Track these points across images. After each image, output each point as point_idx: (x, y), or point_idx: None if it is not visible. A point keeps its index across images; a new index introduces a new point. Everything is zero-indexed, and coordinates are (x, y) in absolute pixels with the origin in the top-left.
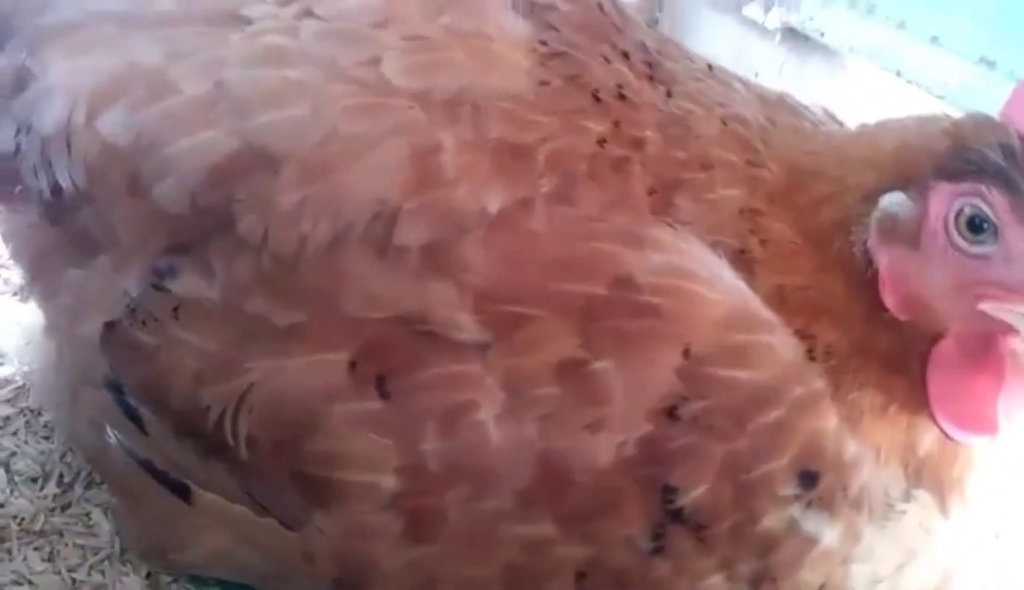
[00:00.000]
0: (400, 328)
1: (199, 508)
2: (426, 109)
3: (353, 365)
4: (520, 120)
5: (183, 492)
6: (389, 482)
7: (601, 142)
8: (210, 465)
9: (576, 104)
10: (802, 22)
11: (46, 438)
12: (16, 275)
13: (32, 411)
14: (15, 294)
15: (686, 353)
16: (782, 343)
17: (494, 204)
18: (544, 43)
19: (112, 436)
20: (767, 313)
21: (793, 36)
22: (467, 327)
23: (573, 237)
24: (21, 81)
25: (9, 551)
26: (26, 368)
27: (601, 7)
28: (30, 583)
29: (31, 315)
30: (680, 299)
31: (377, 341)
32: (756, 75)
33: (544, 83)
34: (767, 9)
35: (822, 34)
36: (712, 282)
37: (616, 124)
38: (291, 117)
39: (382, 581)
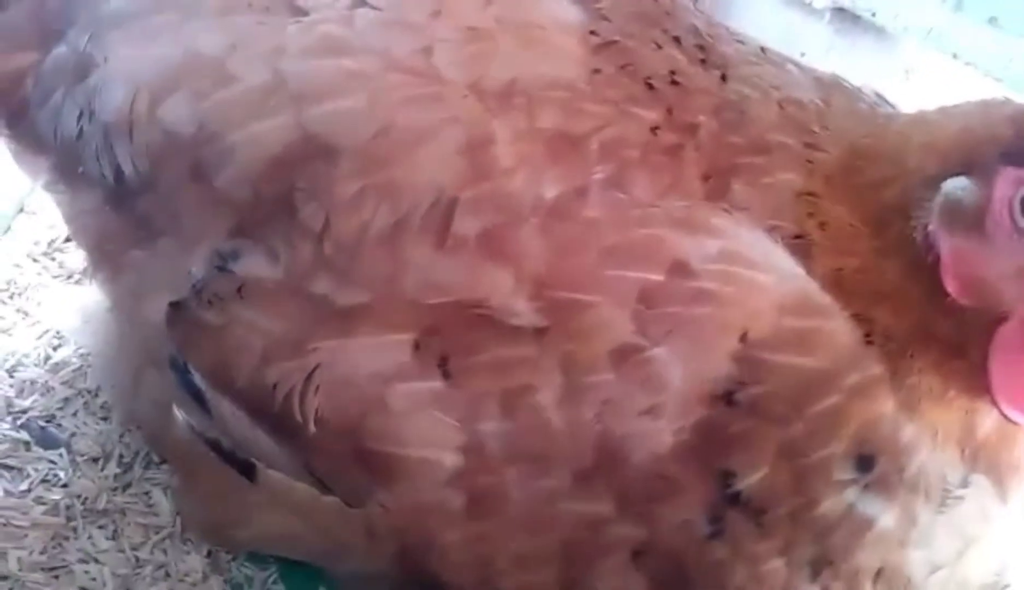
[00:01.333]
0: (460, 312)
1: (262, 486)
2: (480, 99)
3: (417, 346)
4: (573, 109)
5: (248, 471)
6: (451, 460)
7: (654, 129)
8: (273, 443)
9: (628, 92)
10: (852, 0)
11: (104, 419)
12: (71, 258)
13: (90, 392)
14: (70, 277)
15: (743, 339)
16: (839, 328)
17: (550, 192)
18: (595, 32)
19: (179, 416)
20: (824, 298)
21: (842, 16)
22: (524, 313)
23: (628, 224)
24: (83, 68)
25: (75, 530)
26: (83, 349)
27: None
28: (96, 561)
29: (88, 297)
30: (736, 285)
31: (439, 323)
32: (803, 56)
33: (596, 72)
34: None
35: (873, 14)
36: (769, 267)
37: (669, 111)
38: (348, 108)
39: (443, 556)
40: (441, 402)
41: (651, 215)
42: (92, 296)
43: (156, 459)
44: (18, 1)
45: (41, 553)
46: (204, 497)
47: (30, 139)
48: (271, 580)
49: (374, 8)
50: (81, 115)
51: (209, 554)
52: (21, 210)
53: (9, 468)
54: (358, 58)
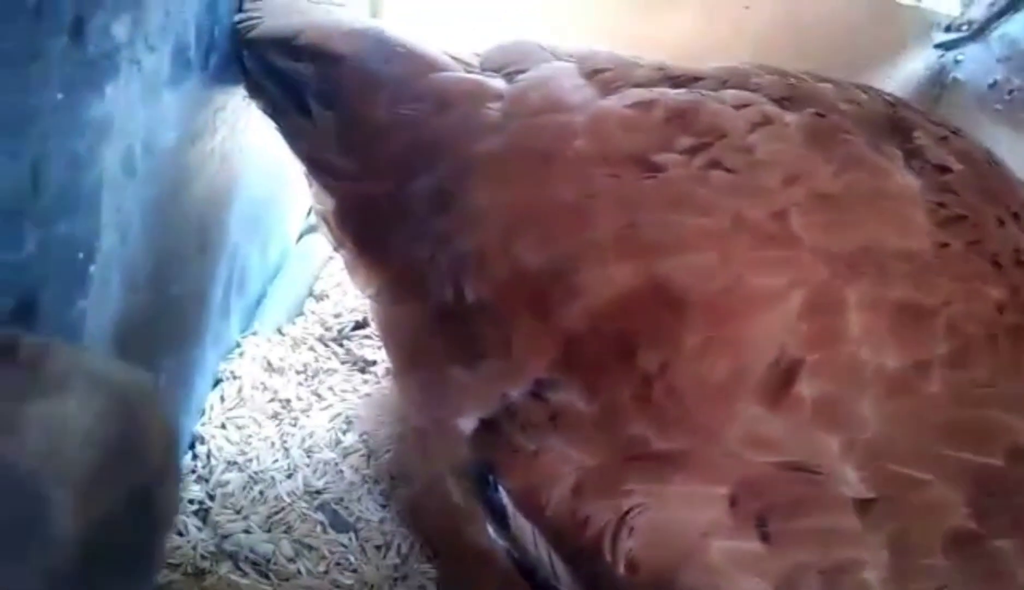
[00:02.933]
0: (782, 473)
1: None
2: (830, 264)
3: (734, 501)
4: (921, 282)
5: None
6: None
7: (1000, 309)
8: (570, 575)
9: (976, 269)
10: None
11: (383, 507)
12: (356, 346)
13: (372, 479)
14: (355, 363)
15: None
16: None
17: (892, 363)
18: (943, 204)
19: (495, 539)
20: None
21: None
22: (851, 482)
23: (967, 402)
24: (442, 201)
25: None
26: (367, 437)
27: (989, 163)
28: None
29: (377, 390)
30: None
31: (759, 481)
32: None
33: (944, 245)
34: None
35: None
36: None
37: (1015, 291)
38: (699, 262)
39: None
40: (759, 565)
41: (989, 395)
42: (380, 389)
43: (429, 554)
44: (389, 134)
45: None
46: None
47: (374, 257)
48: None
49: (728, 171)
50: (436, 242)
51: None
52: (310, 294)
53: (309, 548)
54: (711, 216)
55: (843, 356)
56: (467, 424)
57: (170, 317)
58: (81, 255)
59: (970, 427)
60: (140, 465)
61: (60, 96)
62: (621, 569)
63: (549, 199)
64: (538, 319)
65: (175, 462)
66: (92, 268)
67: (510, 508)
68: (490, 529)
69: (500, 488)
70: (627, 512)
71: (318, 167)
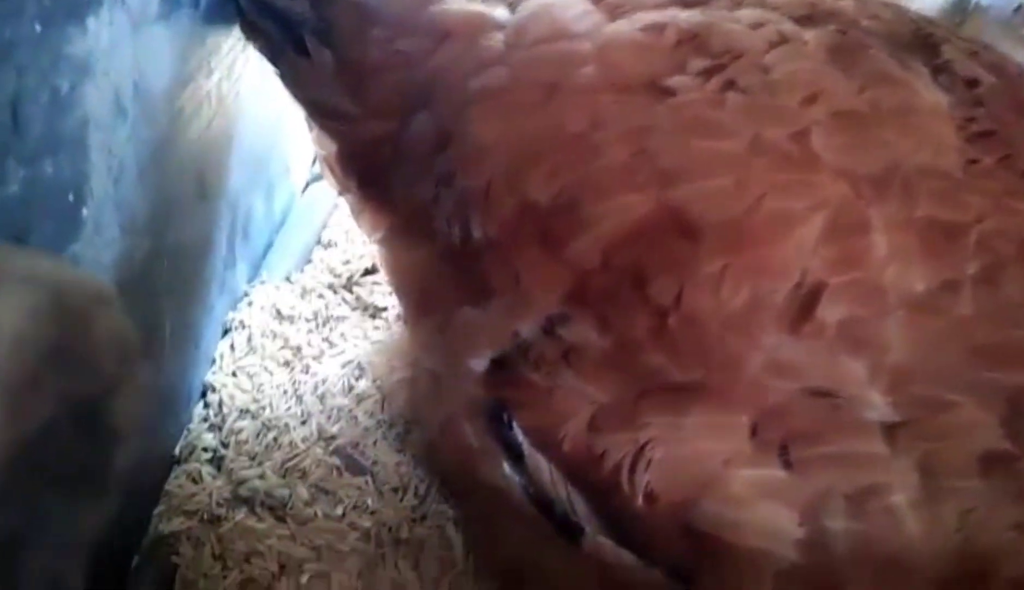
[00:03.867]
0: (805, 399)
1: (584, 550)
2: (853, 185)
3: (755, 430)
4: (950, 199)
5: (573, 534)
6: (789, 553)
7: None
8: (589, 509)
9: (1007, 185)
10: None
11: (399, 450)
12: (366, 292)
13: (387, 422)
14: (366, 310)
15: None
16: None
17: (919, 285)
18: (972, 119)
19: (511, 476)
20: None
21: None
22: (878, 406)
23: (1001, 323)
24: (445, 138)
25: (383, 557)
26: (379, 382)
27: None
28: None
29: (389, 335)
30: None
31: (781, 408)
32: None
33: (974, 161)
34: None
35: None
36: None
37: None
38: (716, 187)
39: None
40: (782, 492)
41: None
42: (391, 334)
43: (447, 494)
44: (387, 72)
45: (358, 577)
46: (504, 545)
47: (379, 200)
48: None
49: (744, 92)
50: (439, 182)
51: None
52: (318, 242)
53: (326, 492)
54: (727, 140)
55: (868, 279)
56: (480, 364)
57: (173, 264)
58: (71, 197)
59: (1003, 347)
60: (85, 374)
61: (38, 28)
62: (639, 501)
63: (556, 131)
64: (547, 254)
65: (132, 373)
66: (84, 211)
67: (526, 446)
68: (506, 467)
69: (515, 426)
70: (644, 445)
71: (318, 109)
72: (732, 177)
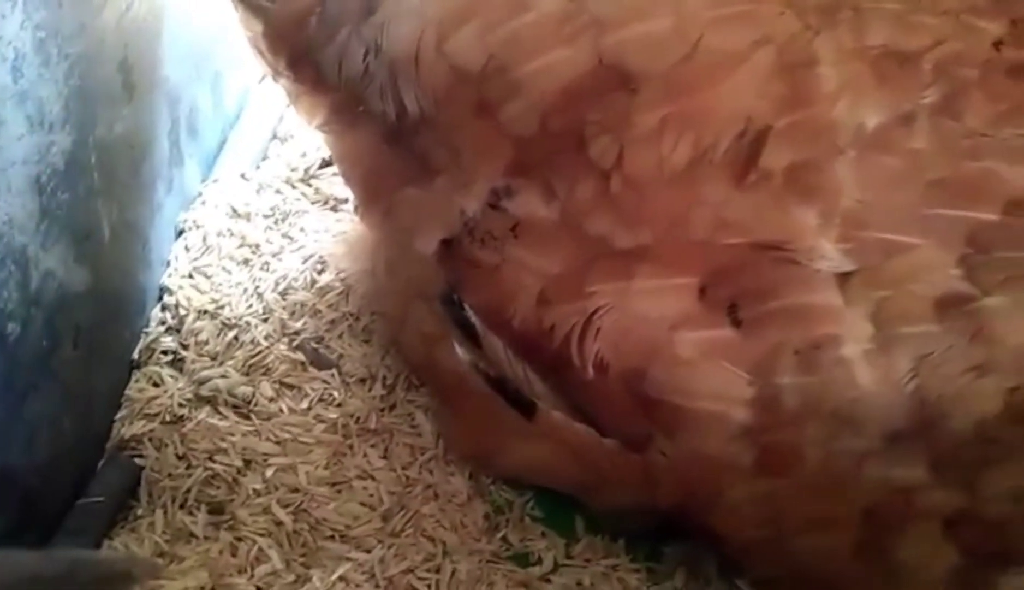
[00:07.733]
0: (754, 254)
1: (539, 424)
2: (800, 15)
3: (703, 291)
4: (907, 23)
5: (527, 409)
6: (740, 413)
7: (997, 45)
8: (543, 384)
9: (969, 2)
10: None
11: (366, 341)
12: (326, 185)
13: (353, 315)
14: (326, 203)
15: None
16: None
17: (872, 120)
18: None
19: (462, 354)
20: None
21: None
22: (830, 255)
23: (958, 155)
24: (371, 4)
25: (351, 447)
26: (343, 274)
27: None
28: (372, 478)
29: (348, 226)
30: None
31: (729, 266)
32: None
33: None
34: None
35: None
36: None
37: (1015, 23)
38: (652, 32)
39: (726, 510)
40: (731, 352)
41: (985, 145)
42: (353, 225)
43: (416, 382)
44: None
45: (325, 468)
46: (469, 426)
47: (312, 80)
48: (529, 505)
49: None
50: (367, 52)
51: (471, 476)
52: (274, 137)
53: (290, 387)
54: None
55: (815, 118)
56: (429, 245)
57: (103, 162)
58: None
59: (963, 181)
60: None
61: None
62: (590, 372)
63: None
64: (484, 124)
65: None
66: None
67: (479, 325)
68: (457, 347)
69: (467, 306)
70: (593, 313)
71: None
72: (668, 19)
